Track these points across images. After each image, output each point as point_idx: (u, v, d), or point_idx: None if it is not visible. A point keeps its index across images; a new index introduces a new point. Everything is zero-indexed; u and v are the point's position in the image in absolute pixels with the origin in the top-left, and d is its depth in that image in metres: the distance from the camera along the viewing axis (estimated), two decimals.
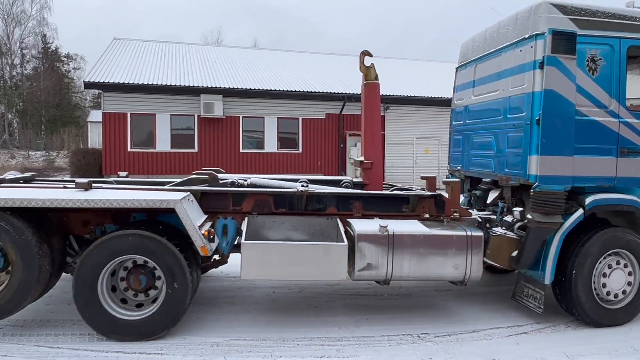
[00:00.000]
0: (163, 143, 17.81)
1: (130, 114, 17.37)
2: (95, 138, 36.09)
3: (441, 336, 4.39)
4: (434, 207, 5.04)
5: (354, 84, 20.99)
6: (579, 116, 4.65)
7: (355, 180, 6.00)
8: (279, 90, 18.50)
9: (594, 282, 4.71)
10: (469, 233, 4.61)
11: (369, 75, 5.92)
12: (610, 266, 4.77)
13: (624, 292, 4.81)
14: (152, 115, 17.60)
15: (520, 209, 4.97)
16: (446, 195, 5.17)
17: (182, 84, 17.70)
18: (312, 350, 4.01)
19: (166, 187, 5.06)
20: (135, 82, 17.10)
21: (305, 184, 4.99)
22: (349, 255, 4.35)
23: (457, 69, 6.62)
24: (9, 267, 4.09)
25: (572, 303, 4.69)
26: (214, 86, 17.90)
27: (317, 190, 4.92)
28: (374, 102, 5.93)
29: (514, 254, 4.81)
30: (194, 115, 18.00)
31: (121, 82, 16.92)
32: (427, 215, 4.99)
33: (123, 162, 17.23)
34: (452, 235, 4.60)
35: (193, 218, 4.18)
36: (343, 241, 4.38)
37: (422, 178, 5.77)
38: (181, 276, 4.11)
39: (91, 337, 4.16)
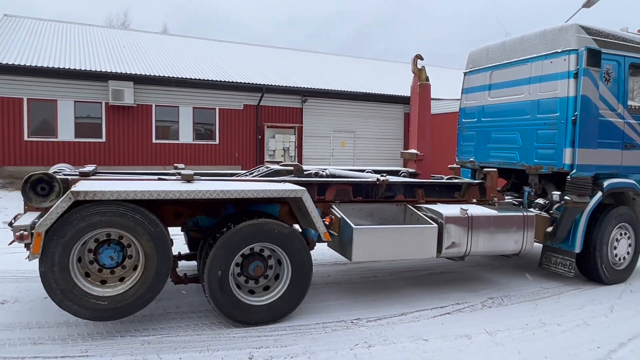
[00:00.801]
0: (66, 132, 16.41)
1: (27, 99, 15.76)
2: None
3: (373, 320, 4.55)
4: (478, 193, 5.95)
5: (272, 75, 20.86)
6: (600, 117, 5.86)
7: (410, 170, 6.68)
8: (195, 78, 17.84)
9: (609, 249, 6.01)
10: (525, 214, 5.55)
11: (421, 76, 6.64)
12: (622, 234, 6.17)
13: (624, 257, 6.21)
14: (53, 101, 16.12)
15: (559, 192, 5.89)
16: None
17: (88, 69, 16.39)
18: (249, 342, 3.96)
19: (257, 177, 5.32)
20: (33, 65, 15.50)
21: (384, 175, 5.62)
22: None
23: (465, 73, 7.56)
24: (123, 262, 4.04)
25: (595, 267, 5.93)
26: (123, 72, 16.80)
27: (394, 180, 5.55)
28: (426, 101, 6.65)
29: (549, 229, 5.88)
30: (101, 102, 16.77)
31: (15, 63, 15.27)
32: (474, 200, 5.88)
33: (19, 151, 15.67)
34: (514, 215, 5.49)
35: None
36: (431, 224, 5.01)
37: (450, 169, 6.68)
38: (306, 261, 4.43)
39: (2, 342, 3.76)
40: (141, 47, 21.33)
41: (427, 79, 6.68)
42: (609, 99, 5.97)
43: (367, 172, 6.01)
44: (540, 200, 6.20)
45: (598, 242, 5.88)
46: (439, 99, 22.05)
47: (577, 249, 5.77)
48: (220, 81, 18.31)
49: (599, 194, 5.84)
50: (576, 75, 5.68)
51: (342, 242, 4.76)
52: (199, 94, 18.40)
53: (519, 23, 78.85)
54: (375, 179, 5.32)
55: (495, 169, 6.13)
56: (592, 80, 5.74)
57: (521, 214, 5.51)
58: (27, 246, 3.72)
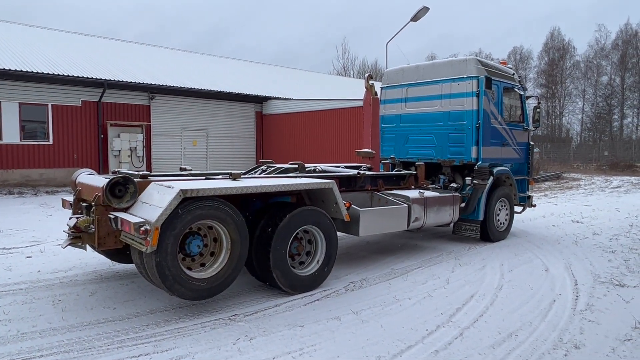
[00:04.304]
0: None
1: None
2: None
3: (249, 315, 4.70)
4: (414, 181, 7.77)
5: (114, 70, 19.40)
6: (491, 124, 8.20)
7: (368, 166, 8.39)
8: (21, 70, 15.69)
9: (495, 217, 8.37)
10: (454, 194, 7.71)
11: (372, 91, 8.51)
12: (502, 206, 8.57)
13: (503, 222, 8.66)
14: None
15: (470, 178, 8.05)
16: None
17: None
18: (126, 352, 3.82)
19: (275, 175, 6.42)
20: None
21: (364, 169, 7.78)
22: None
23: (382, 88, 9.32)
24: (201, 250, 4.58)
25: (490, 229, 8.23)
26: None
27: (369, 173, 7.12)
28: (375, 111, 8.62)
29: (462, 205, 7.88)
30: None
31: None
32: (412, 187, 7.65)
33: None
34: (448, 196, 7.57)
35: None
36: (403, 205, 6.67)
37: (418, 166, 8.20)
38: (335, 240, 5.56)
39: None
40: None
41: (375, 93, 8.53)
42: (494, 112, 8.29)
43: (341, 168, 7.57)
44: (454, 185, 8.27)
45: (490, 212, 8.17)
46: (288, 99, 22.88)
47: (481, 218, 8.05)
48: (53, 74, 16.43)
49: (491, 178, 8.05)
50: (478, 95, 7.91)
51: (349, 222, 5.85)
52: (26, 89, 16.31)
53: (369, 21, 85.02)
54: (356, 173, 6.74)
55: (423, 163, 7.97)
56: (488, 99, 8.01)
57: (451, 194, 7.62)
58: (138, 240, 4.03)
